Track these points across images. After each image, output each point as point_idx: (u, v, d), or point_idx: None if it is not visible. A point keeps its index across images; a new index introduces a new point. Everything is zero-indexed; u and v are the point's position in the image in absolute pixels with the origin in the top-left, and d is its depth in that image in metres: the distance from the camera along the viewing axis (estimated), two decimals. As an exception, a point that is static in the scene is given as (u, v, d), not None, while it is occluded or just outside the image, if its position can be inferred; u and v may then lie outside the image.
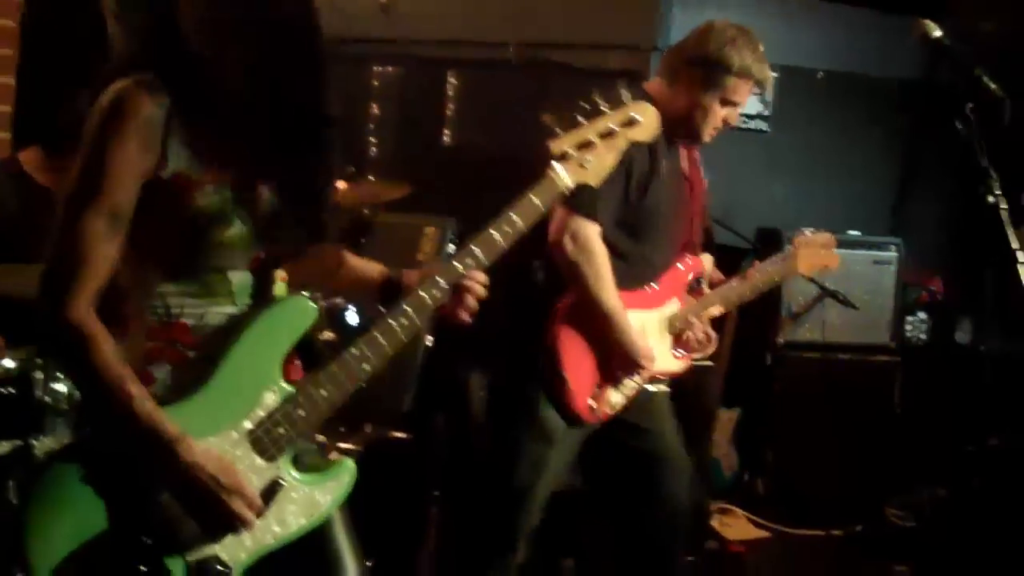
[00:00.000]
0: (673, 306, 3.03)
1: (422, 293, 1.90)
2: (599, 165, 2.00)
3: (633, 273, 2.90)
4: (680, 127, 2.87)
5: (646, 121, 2.04)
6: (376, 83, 5.00)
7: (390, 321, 1.88)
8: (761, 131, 4.68)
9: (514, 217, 1.93)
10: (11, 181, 3.20)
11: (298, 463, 1.89)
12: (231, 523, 1.81)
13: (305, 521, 1.89)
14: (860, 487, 4.39)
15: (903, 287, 4.57)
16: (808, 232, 3.27)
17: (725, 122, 2.90)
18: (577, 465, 3.02)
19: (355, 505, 3.06)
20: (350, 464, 1.95)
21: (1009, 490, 3.78)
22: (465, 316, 1.96)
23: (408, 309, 1.90)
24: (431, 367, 4.10)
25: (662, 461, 3.01)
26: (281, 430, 1.83)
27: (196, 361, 1.82)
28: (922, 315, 4.72)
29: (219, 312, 1.85)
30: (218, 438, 1.82)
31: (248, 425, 1.83)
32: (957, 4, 5.10)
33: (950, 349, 4.73)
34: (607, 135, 2.00)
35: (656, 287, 2.99)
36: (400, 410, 3.94)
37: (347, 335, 3.35)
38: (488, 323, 3.00)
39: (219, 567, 1.81)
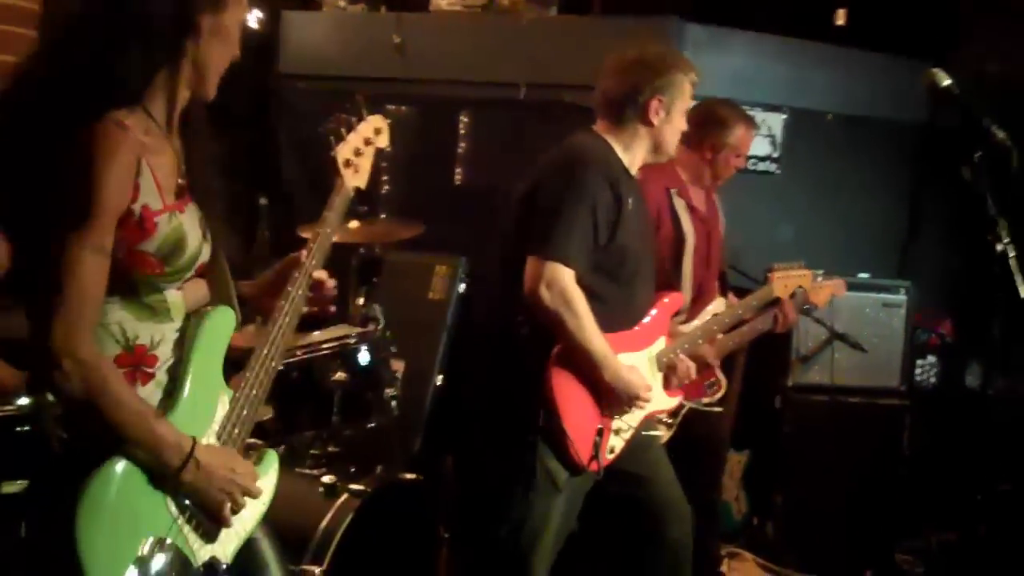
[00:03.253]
0: (660, 344, 3.02)
1: (293, 292, 2.11)
2: (365, 170, 2.28)
3: (616, 316, 2.89)
4: (650, 154, 2.96)
5: (385, 129, 2.35)
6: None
7: (281, 320, 2.09)
8: (770, 173, 4.71)
9: (330, 215, 2.20)
10: None
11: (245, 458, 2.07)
12: (240, 508, 1.98)
13: (261, 509, 2.10)
14: (869, 531, 4.37)
15: (913, 330, 4.56)
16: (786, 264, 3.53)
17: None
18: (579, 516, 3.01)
19: (366, 546, 3.08)
20: (274, 454, 2.15)
21: (1019, 535, 3.76)
22: (332, 304, 2.21)
23: (288, 308, 2.10)
24: (439, 408, 4.11)
25: (664, 509, 3.00)
26: (236, 430, 2.02)
27: (163, 379, 1.95)
28: (932, 359, 4.72)
29: (165, 330, 1.96)
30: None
31: (216, 428, 2.00)
32: (964, 46, 5.14)
33: (960, 393, 4.72)
34: (367, 143, 2.29)
35: (641, 327, 2.98)
36: (410, 451, 3.95)
37: (358, 374, 3.37)
38: (476, 384, 3.02)
39: (221, 565, 1.98)
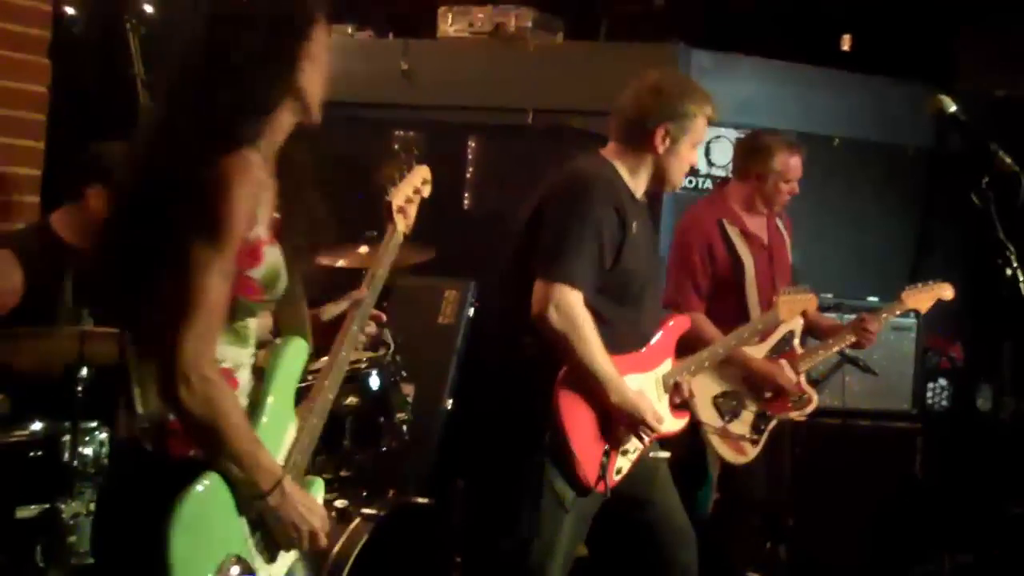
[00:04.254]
0: (666, 366, 3.01)
1: (353, 328, 2.17)
2: (411, 218, 2.32)
3: (622, 337, 2.88)
4: (652, 182, 2.95)
5: (429, 179, 2.39)
6: (397, 147, 5.06)
7: (342, 354, 2.15)
8: (778, 197, 4.71)
9: (385, 258, 2.25)
10: (43, 243, 3.23)
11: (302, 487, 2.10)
12: (309, 541, 2.00)
13: None
14: (882, 554, 4.35)
15: (923, 353, 4.56)
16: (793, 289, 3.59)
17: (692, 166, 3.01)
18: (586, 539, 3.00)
19: (379, 570, 3.07)
20: (320, 482, 2.15)
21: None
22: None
23: (348, 342, 2.16)
24: (450, 432, 4.11)
25: (673, 534, 2.99)
26: (299, 457, 2.05)
27: (243, 404, 1.97)
28: (943, 381, 4.71)
29: (243, 355, 1.99)
30: None
31: (283, 456, 2.02)
32: (967, 70, 5.17)
33: (971, 416, 4.71)
34: (416, 192, 2.34)
35: (648, 349, 2.98)
36: (421, 475, 3.94)
37: (369, 399, 3.37)
38: (485, 405, 3.02)
39: None
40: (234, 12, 1.96)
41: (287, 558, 2.04)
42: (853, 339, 3.83)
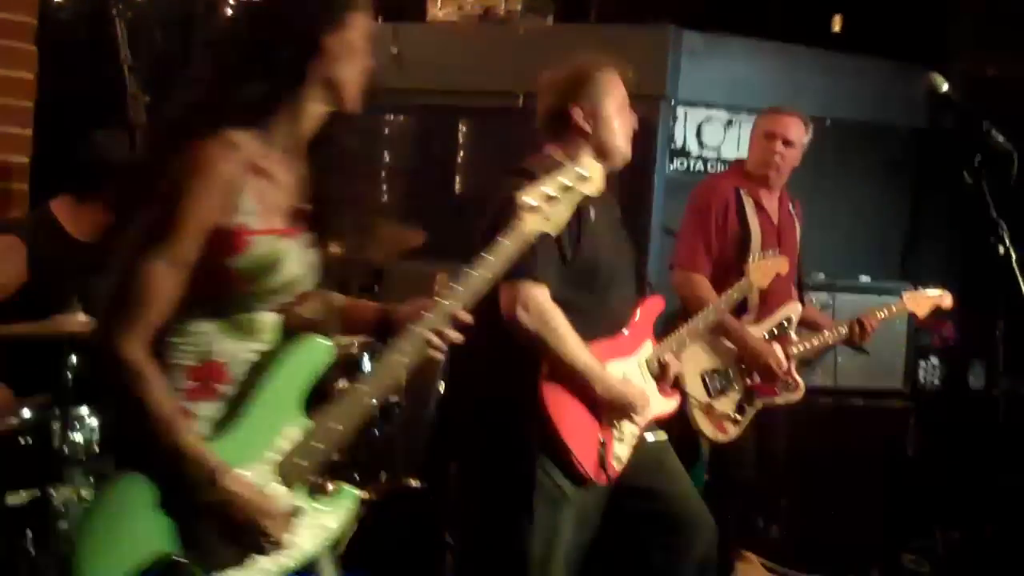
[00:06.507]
0: (647, 348, 2.99)
1: (417, 329, 2.02)
2: (558, 218, 2.19)
3: (596, 325, 2.85)
4: (601, 161, 2.87)
5: (594, 176, 2.24)
6: (388, 131, 5.06)
7: (392, 356, 2.01)
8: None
9: (490, 259, 2.09)
10: (46, 232, 3.20)
11: (311, 491, 2.01)
12: (265, 545, 1.92)
13: (318, 544, 2.02)
14: (875, 532, 4.36)
15: (915, 332, 4.57)
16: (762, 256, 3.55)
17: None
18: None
19: (372, 553, 3.07)
20: (352, 491, 2.07)
21: (1024, 534, 3.76)
22: (441, 352, 2.06)
23: (405, 345, 2.02)
24: (444, 415, 4.10)
25: (686, 523, 2.96)
26: (303, 462, 1.96)
27: (230, 399, 1.93)
28: (934, 360, 4.72)
29: (249, 350, 1.95)
30: (250, 471, 1.93)
31: (275, 457, 1.95)
32: (960, 50, 5.16)
33: (963, 393, 4.73)
34: (565, 190, 2.19)
35: (625, 334, 2.95)
36: (414, 458, 3.94)
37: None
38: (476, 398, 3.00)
39: None
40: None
41: (271, 565, 1.95)
42: (846, 334, 3.80)
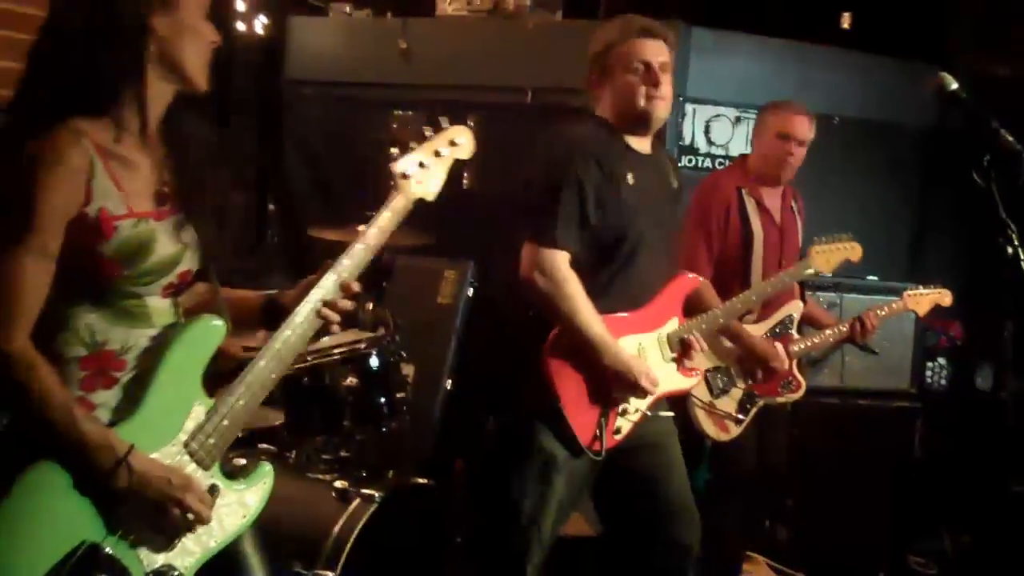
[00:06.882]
0: (672, 325, 2.97)
1: (308, 304, 2.08)
2: (431, 182, 2.25)
3: (616, 296, 2.85)
4: (629, 120, 2.90)
5: (466, 141, 2.33)
6: (396, 127, 5.05)
7: (286, 332, 2.06)
8: (777, 176, 4.70)
9: (372, 230, 2.15)
10: None
11: (224, 469, 2.07)
12: (187, 522, 1.96)
13: (240, 522, 2.08)
14: (881, 534, 4.36)
15: (922, 332, 4.56)
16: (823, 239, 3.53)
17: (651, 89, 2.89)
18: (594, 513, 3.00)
19: (379, 551, 3.08)
20: (267, 467, 2.13)
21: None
22: (337, 325, 2.11)
23: (298, 319, 2.07)
24: (450, 413, 4.11)
25: (673, 514, 2.97)
26: (211, 440, 2.01)
27: (128, 384, 1.96)
28: (942, 360, 4.71)
29: (141, 335, 1.98)
30: (159, 453, 1.97)
31: (183, 438, 1.99)
32: (968, 49, 5.14)
33: (971, 395, 4.71)
34: (435, 155, 2.26)
35: (648, 307, 2.93)
36: (421, 455, 3.95)
37: (369, 379, 3.37)
38: (496, 365, 3.03)
39: (174, 574, 1.97)
40: None
41: (195, 546, 1.98)
42: (847, 332, 3.80)
